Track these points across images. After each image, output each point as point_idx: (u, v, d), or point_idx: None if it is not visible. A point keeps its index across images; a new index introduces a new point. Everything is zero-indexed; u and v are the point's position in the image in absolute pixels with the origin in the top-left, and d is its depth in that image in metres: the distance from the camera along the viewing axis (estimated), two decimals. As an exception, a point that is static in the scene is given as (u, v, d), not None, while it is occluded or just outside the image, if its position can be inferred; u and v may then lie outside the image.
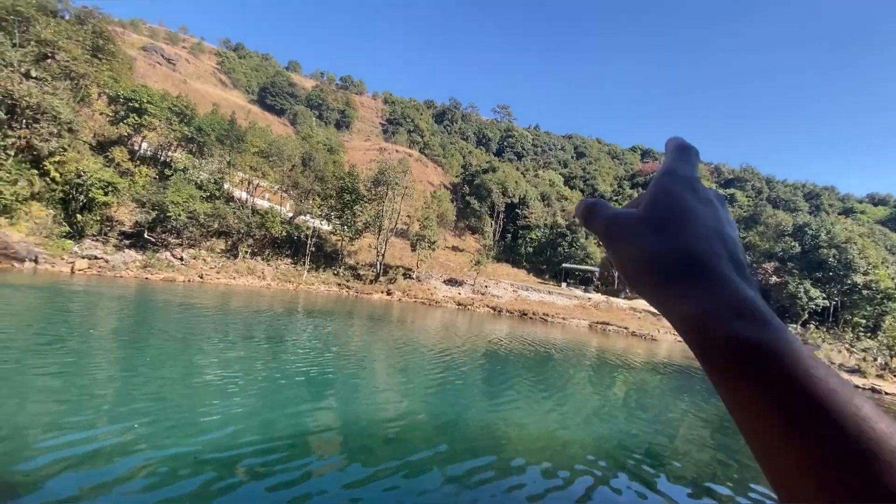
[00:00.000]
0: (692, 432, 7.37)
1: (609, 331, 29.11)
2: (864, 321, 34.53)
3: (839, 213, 54.39)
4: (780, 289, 36.81)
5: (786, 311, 36.33)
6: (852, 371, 20.12)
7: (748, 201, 57.48)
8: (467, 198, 54.22)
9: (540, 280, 42.63)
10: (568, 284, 41.18)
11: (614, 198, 58.70)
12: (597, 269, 42.25)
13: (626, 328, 29.91)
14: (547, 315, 31.40)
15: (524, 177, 58.83)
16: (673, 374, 13.73)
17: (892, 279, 34.50)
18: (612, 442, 6.13)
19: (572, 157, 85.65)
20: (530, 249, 48.01)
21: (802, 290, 35.70)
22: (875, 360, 22.20)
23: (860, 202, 63.29)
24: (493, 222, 52.35)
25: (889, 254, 38.55)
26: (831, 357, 22.17)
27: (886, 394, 16.61)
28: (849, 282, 35.18)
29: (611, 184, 64.76)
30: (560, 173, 66.73)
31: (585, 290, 38.87)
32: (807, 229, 39.12)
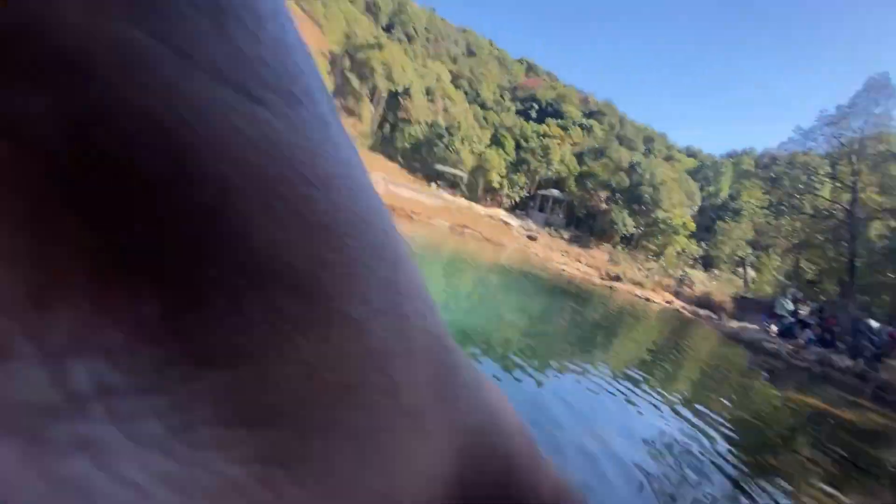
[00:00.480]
0: (521, 324, 8.87)
1: (466, 233, 31.48)
2: (654, 248, 43.64)
3: (664, 158, 64.65)
4: (606, 215, 43.81)
5: (604, 232, 43.72)
6: (636, 283, 25.85)
7: (603, 135, 64.40)
8: (347, 73, 49.27)
9: (412, 178, 42.91)
10: (438, 186, 42.40)
11: (494, 107, 59.73)
12: (465, 174, 44.02)
13: (480, 232, 32.68)
14: (414, 213, 32.28)
15: (412, 63, 55.35)
16: (510, 276, 15.78)
17: (682, 219, 43.62)
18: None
19: (463, 54, 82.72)
20: (407, 145, 47.23)
21: (621, 218, 43.08)
22: (654, 278, 28.76)
23: (679, 151, 75.80)
24: (372, 108, 49.26)
25: (686, 198, 48.16)
26: (626, 272, 27.96)
27: (654, 302, 21.96)
28: (653, 216, 43.44)
29: (494, 91, 65.35)
30: (449, 69, 64.47)
31: (452, 194, 40.63)
32: (636, 167, 46.13)
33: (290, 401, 0.10)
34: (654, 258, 38.30)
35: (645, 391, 6.74)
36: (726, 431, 6.02)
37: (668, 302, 23.53)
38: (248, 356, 0.10)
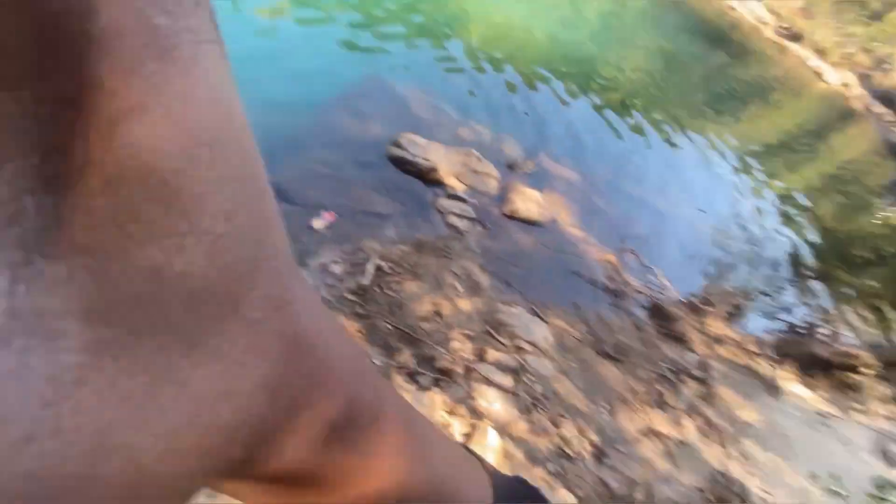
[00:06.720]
0: (651, 66, 7.95)
1: None
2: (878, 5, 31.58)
3: None
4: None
5: None
6: (818, 50, 19.14)
7: None
8: None
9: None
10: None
11: None
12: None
13: None
14: None
15: None
16: (658, 5, 13.13)
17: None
18: (563, 56, 6.53)
19: None
20: None
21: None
22: (847, 49, 21.97)
23: None
24: None
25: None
26: (814, 31, 21.46)
27: (824, 82, 16.96)
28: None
29: None
30: None
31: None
32: None
33: (127, 300, 0.10)
34: (868, 21, 26.66)
35: (753, 175, 6.33)
36: (812, 237, 5.66)
37: (844, 85, 18.20)
38: (91, 251, 0.10)
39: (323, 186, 3.00)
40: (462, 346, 2.47)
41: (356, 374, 0.18)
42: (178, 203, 0.10)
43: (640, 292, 3.65)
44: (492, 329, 2.64)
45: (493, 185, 3.68)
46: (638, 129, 5.76)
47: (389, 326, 2.37)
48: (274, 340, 0.14)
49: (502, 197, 3.65)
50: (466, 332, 2.55)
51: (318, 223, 2.74)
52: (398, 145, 3.45)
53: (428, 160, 3.43)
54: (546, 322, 2.91)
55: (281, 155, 3.05)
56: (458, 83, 4.74)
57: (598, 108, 5.67)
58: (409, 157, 3.40)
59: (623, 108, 5.98)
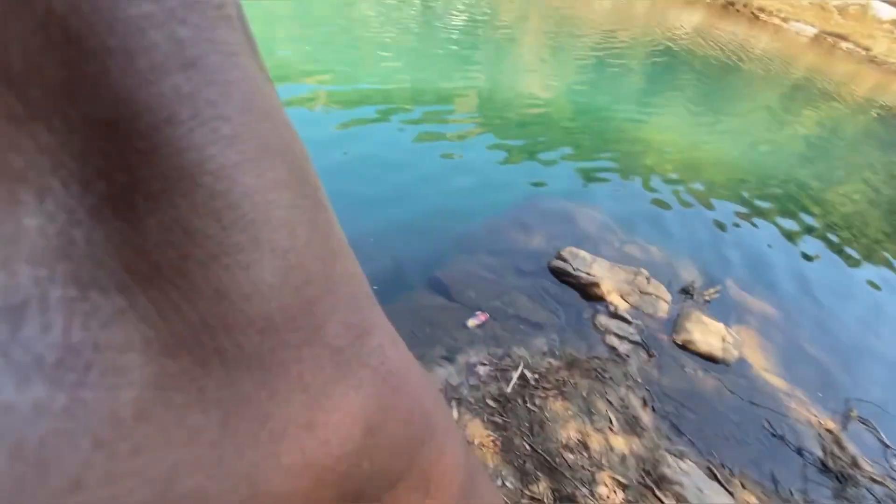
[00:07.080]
0: (870, 196, 6.46)
1: (840, 48, 19.88)
2: None
3: None
4: None
5: None
6: None
7: None
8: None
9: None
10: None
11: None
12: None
13: (866, 49, 19.78)
14: (761, 11, 21.89)
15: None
16: (891, 123, 10.84)
17: None
18: (764, 180, 5.77)
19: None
20: None
21: None
22: None
23: None
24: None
25: None
26: None
27: None
28: None
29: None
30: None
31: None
32: None
33: (193, 327, 0.09)
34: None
35: None
36: None
37: None
38: (149, 277, 0.09)
39: (482, 288, 3.12)
40: (611, 495, 2.07)
41: (459, 438, 0.17)
42: (232, 214, 0.09)
43: (877, 482, 2.63)
44: (652, 482, 2.17)
45: (663, 309, 3.31)
46: (885, 269, 4.68)
47: (527, 447, 2.16)
48: (361, 370, 0.12)
49: (674, 323, 3.23)
50: (618, 477, 2.15)
51: (472, 322, 2.81)
52: (560, 257, 3.44)
53: (591, 275, 3.31)
54: (728, 490, 2.28)
55: (449, 257, 3.33)
56: (641, 206, 4.59)
57: (828, 245, 4.83)
58: (571, 270, 3.33)
59: (855, 243, 4.97)
